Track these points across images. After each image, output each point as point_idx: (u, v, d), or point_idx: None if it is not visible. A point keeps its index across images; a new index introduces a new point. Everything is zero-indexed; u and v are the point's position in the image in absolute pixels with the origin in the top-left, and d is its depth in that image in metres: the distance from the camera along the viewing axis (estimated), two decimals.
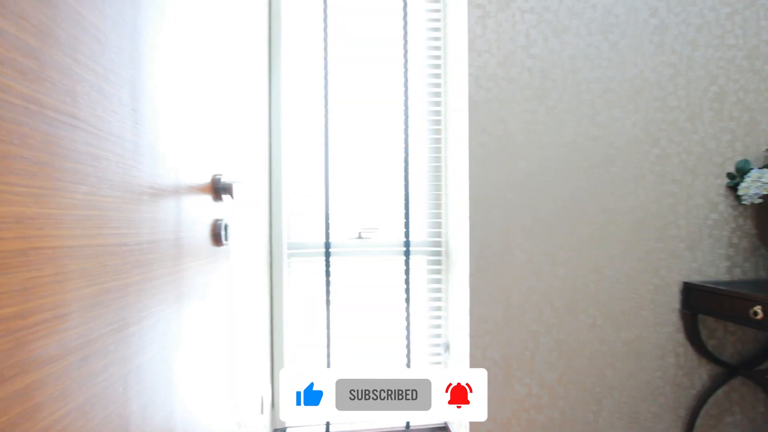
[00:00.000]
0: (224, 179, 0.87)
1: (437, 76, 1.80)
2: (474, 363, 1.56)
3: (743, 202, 1.62)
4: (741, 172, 1.66)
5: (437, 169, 1.82)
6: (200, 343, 0.82)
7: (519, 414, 1.60)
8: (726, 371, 1.68)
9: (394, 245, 1.80)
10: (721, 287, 1.50)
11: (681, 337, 1.67)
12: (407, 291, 1.78)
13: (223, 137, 0.98)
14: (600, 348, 1.64)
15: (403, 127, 1.77)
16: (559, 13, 1.58)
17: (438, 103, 1.81)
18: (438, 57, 1.79)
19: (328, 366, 1.74)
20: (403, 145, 1.77)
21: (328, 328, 1.75)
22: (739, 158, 1.69)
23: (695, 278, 1.68)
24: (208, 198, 0.84)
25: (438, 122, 1.81)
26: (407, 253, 1.78)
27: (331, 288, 1.75)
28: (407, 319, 1.78)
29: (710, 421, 1.71)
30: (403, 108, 1.76)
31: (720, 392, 1.71)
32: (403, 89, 1.76)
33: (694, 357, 1.68)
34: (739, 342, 1.71)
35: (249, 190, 1.35)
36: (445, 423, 1.83)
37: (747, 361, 1.70)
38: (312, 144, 1.78)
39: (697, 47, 1.66)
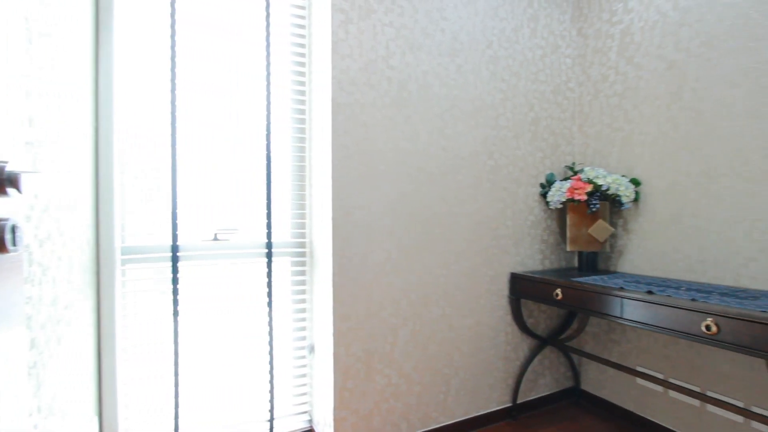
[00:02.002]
0: (9, 168, 0.69)
1: (302, 74, 1.77)
2: (338, 361, 1.58)
3: (550, 207, 2.04)
4: (549, 183, 2.09)
5: (301, 168, 1.79)
6: None
7: (380, 404, 1.68)
8: (540, 343, 2.07)
9: (255, 247, 1.70)
10: (536, 276, 1.85)
11: (509, 318, 2.00)
12: (269, 294, 1.70)
13: (11, 113, 0.77)
14: (448, 335, 1.84)
15: (266, 123, 1.69)
16: (414, 31, 1.73)
17: (303, 102, 1.78)
18: (303, 55, 1.77)
19: (176, 385, 1.54)
20: (266, 142, 1.69)
21: (176, 343, 1.54)
22: (548, 172, 2.12)
23: (519, 269, 2.03)
24: None
25: (303, 121, 1.79)
26: (269, 255, 1.70)
27: (179, 297, 1.55)
28: (270, 324, 1.70)
29: (530, 384, 2.08)
30: (266, 104, 1.69)
31: (536, 360, 2.10)
32: (266, 83, 1.69)
33: (518, 334, 2.03)
34: (549, 318, 2.13)
35: (57, 183, 1.10)
36: (311, 426, 1.81)
37: (553, 333, 2.13)
38: (157, 135, 1.55)
39: (520, 79, 2.01)
